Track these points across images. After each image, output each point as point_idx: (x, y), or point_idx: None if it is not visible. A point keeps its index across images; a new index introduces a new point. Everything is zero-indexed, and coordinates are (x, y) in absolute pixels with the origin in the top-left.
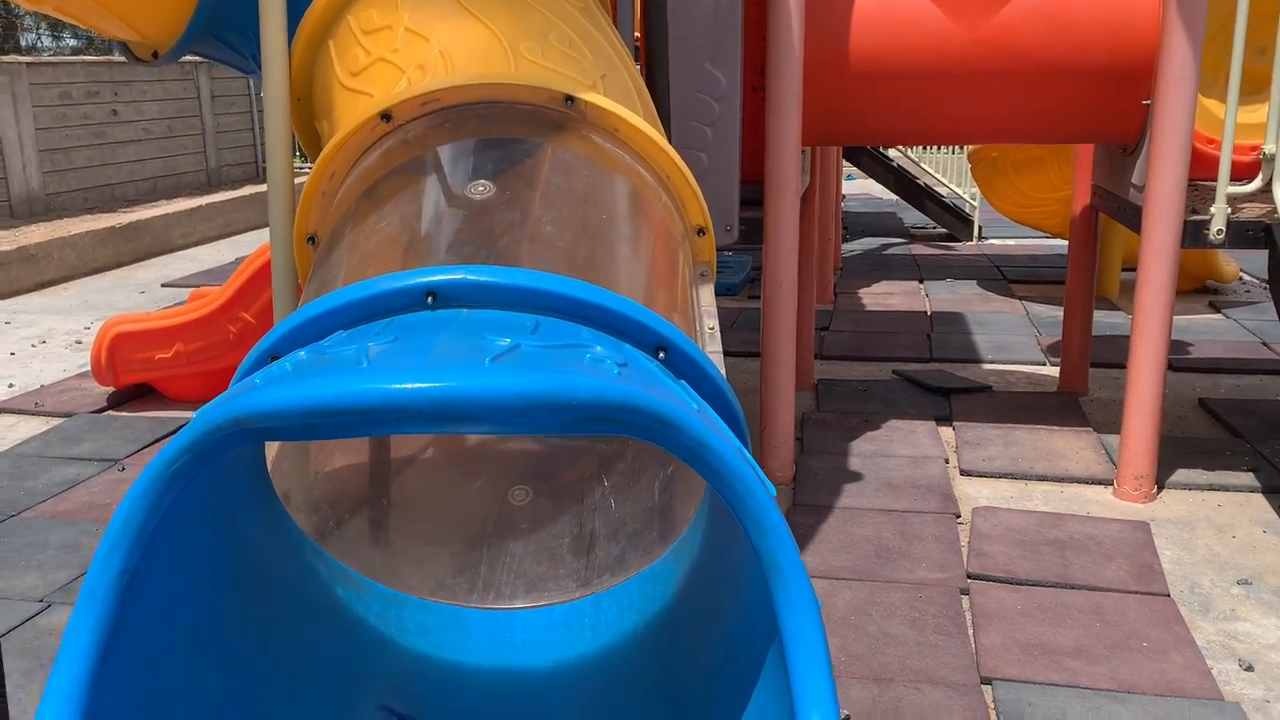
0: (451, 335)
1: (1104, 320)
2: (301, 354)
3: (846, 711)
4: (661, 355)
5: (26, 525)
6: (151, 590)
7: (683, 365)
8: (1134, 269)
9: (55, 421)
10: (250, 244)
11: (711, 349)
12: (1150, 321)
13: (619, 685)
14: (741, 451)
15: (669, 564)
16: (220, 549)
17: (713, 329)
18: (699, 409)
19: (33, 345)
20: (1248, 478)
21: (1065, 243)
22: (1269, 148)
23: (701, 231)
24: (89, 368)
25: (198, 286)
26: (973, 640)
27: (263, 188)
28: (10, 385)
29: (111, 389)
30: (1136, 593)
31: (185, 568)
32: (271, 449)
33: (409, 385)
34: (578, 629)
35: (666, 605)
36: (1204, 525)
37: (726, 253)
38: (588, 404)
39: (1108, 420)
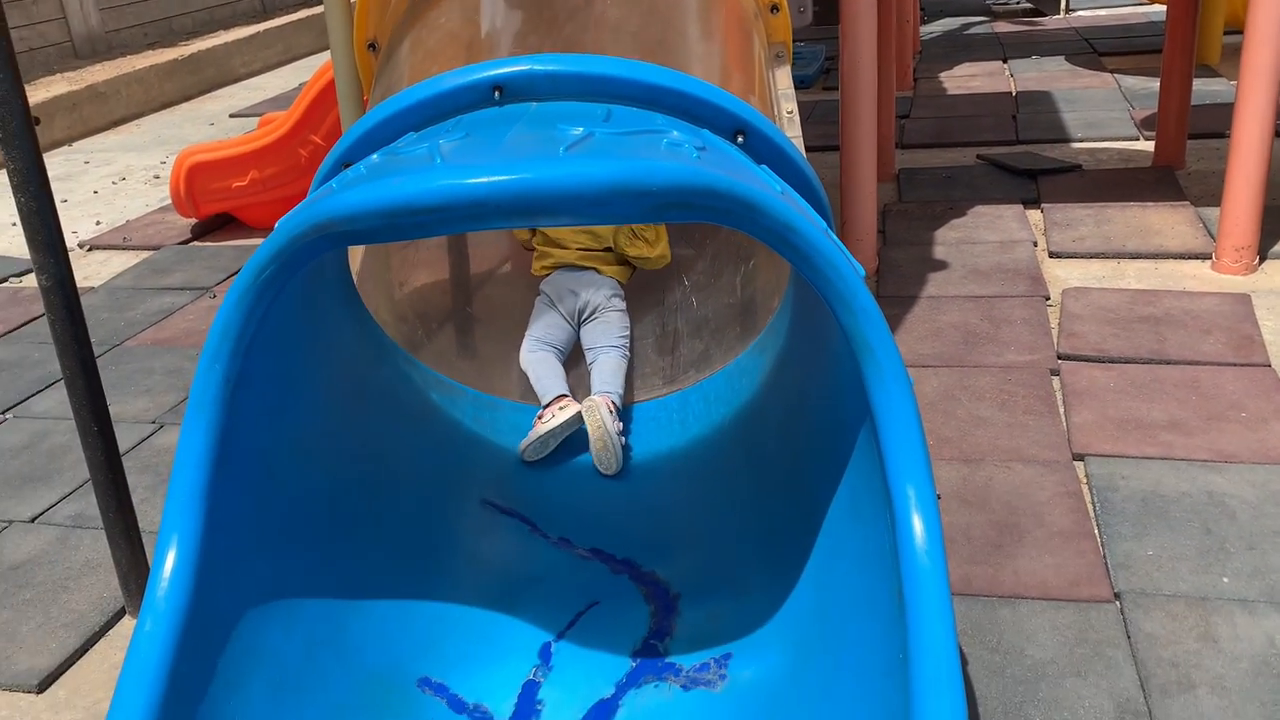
0: (523, 128)
1: (1203, 89)
2: (374, 157)
3: (938, 492)
4: (740, 139)
5: (130, 354)
6: (255, 397)
7: (763, 149)
8: (1238, 32)
9: (144, 254)
10: (312, 68)
11: (791, 133)
12: (1258, 79)
13: (707, 472)
14: (828, 233)
15: (754, 357)
16: (316, 359)
17: (791, 113)
18: (782, 192)
19: (113, 183)
20: None
21: (1162, 8)
22: None
23: (775, 9)
24: (170, 201)
25: (264, 114)
26: (1064, 419)
27: (318, 9)
28: (98, 223)
29: (194, 220)
30: (1235, 364)
31: (284, 376)
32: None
33: (485, 179)
34: (666, 424)
35: (753, 396)
36: None
37: (800, 42)
38: (668, 189)
39: (1206, 193)
